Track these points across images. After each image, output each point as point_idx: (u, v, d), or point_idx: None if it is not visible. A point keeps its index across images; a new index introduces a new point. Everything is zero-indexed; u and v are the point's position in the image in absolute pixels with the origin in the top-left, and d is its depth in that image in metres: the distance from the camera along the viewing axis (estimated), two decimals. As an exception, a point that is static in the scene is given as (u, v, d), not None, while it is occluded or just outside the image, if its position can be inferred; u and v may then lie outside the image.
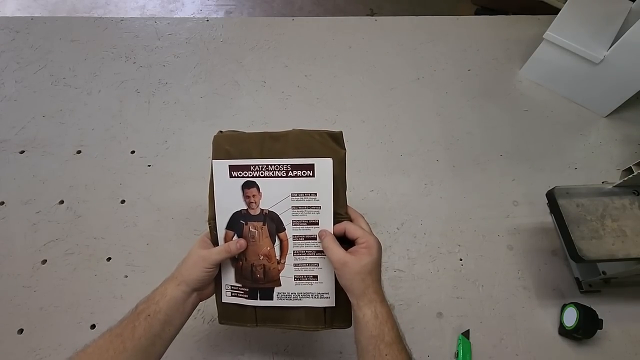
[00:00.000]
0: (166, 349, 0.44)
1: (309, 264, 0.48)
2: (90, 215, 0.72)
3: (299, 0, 1.99)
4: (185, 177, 0.77)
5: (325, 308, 0.48)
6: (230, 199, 0.47)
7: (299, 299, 0.48)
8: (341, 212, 0.47)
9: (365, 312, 0.41)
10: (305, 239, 0.47)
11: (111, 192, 0.75)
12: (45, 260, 0.68)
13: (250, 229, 0.48)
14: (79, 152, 0.80)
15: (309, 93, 0.91)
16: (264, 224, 0.48)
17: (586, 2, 0.91)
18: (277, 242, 0.48)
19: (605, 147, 0.86)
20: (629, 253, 0.58)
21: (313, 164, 0.46)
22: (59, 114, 0.84)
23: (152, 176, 0.78)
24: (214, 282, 0.49)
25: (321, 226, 0.47)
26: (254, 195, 0.47)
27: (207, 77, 0.92)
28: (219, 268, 0.48)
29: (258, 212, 0.48)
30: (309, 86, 0.92)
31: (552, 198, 0.63)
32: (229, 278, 0.49)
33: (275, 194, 0.47)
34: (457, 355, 0.62)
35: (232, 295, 0.49)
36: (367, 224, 0.48)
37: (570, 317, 0.63)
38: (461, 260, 0.71)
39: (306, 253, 0.48)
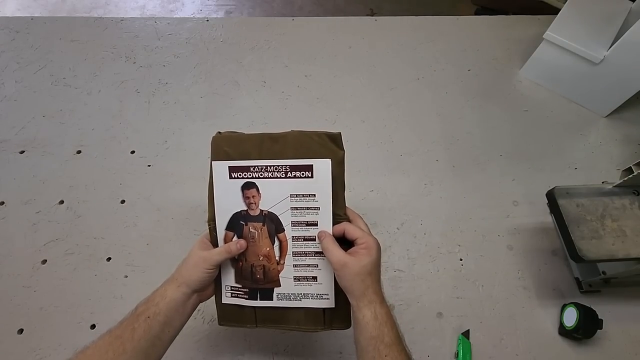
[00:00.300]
0: (166, 350, 0.44)
1: (309, 265, 0.48)
2: (90, 215, 0.72)
3: (299, 0, 1.99)
4: (185, 177, 0.77)
5: (324, 309, 0.48)
6: (229, 200, 0.48)
7: (298, 300, 0.48)
8: (340, 213, 0.47)
9: (365, 313, 0.41)
10: (304, 240, 0.47)
11: (111, 192, 0.75)
12: (45, 260, 0.68)
13: (250, 230, 0.48)
14: (79, 152, 0.80)
15: (309, 93, 0.91)
16: (263, 225, 0.48)
17: (586, 2, 0.91)
18: (277, 242, 0.48)
19: (605, 147, 0.86)
20: (629, 253, 0.58)
21: (312, 165, 0.46)
22: (59, 114, 0.84)
23: (152, 176, 0.78)
24: (214, 283, 0.49)
25: (320, 227, 0.47)
26: (253, 196, 0.47)
27: (207, 77, 0.92)
28: (219, 269, 0.48)
29: (258, 212, 0.48)
30: (309, 86, 0.92)
31: (552, 198, 0.63)
32: (229, 279, 0.49)
33: (275, 194, 0.47)
34: (457, 355, 0.62)
35: (232, 296, 0.49)
36: (366, 224, 0.48)
37: (570, 317, 0.63)
38: (461, 260, 0.71)
39: (305, 254, 0.48)
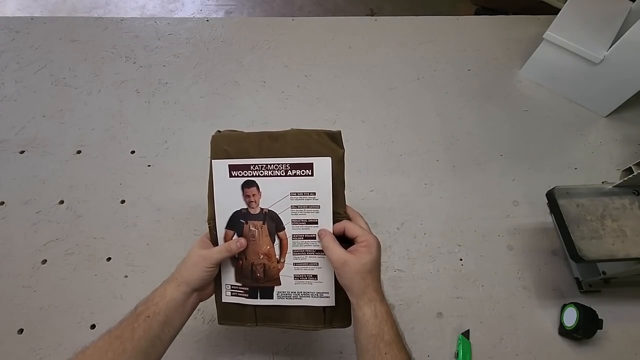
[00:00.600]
0: (166, 349, 0.44)
1: (309, 263, 0.48)
2: (90, 215, 0.72)
3: (299, 0, 1.99)
4: (185, 177, 0.77)
5: (324, 307, 0.48)
6: (230, 199, 0.47)
7: (298, 298, 0.48)
8: (340, 212, 0.47)
9: (365, 311, 0.41)
10: (304, 238, 0.47)
11: (111, 192, 0.75)
12: (45, 260, 0.68)
13: (251, 228, 0.48)
14: (79, 152, 0.80)
15: (309, 93, 0.91)
16: (263, 223, 0.48)
17: (586, 2, 0.91)
18: (277, 241, 0.48)
19: (605, 147, 0.86)
20: (629, 253, 0.58)
21: (312, 163, 0.46)
22: (59, 114, 0.84)
23: (152, 176, 0.78)
24: (214, 282, 0.49)
25: (320, 225, 0.47)
26: (253, 195, 0.47)
27: (207, 77, 0.92)
28: (219, 268, 0.48)
29: (258, 211, 0.48)
30: (309, 86, 0.92)
31: (552, 198, 0.63)
32: (229, 278, 0.49)
33: (275, 193, 0.47)
34: (457, 355, 0.62)
35: (232, 295, 0.49)
36: (366, 223, 0.48)
37: (570, 317, 0.63)
38: (461, 260, 0.71)
39: (305, 252, 0.48)
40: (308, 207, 0.47)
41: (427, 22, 1.05)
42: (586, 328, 0.61)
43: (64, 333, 0.62)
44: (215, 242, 0.48)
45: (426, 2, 1.98)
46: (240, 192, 0.47)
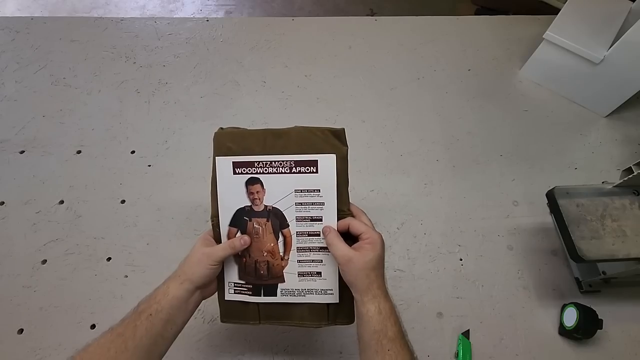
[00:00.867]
0: (168, 348, 0.44)
1: (313, 261, 0.48)
2: (90, 215, 0.72)
3: (299, 0, 1.99)
4: (185, 177, 0.77)
5: (328, 304, 0.48)
6: (233, 196, 0.47)
7: (302, 296, 0.48)
8: (344, 209, 0.47)
9: (369, 307, 0.42)
10: (308, 236, 0.47)
11: (111, 192, 0.75)
12: (45, 260, 0.68)
13: (254, 225, 0.48)
14: (79, 152, 0.80)
15: (309, 93, 0.91)
16: (267, 220, 0.48)
17: (586, 2, 0.91)
18: (281, 238, 0.48)
19: (605, 147, 0.86)
20: (629, 253, 0.58)
21: (317, 160, 0.46)
22: (59, 114, 0.84)
23: (152, 176, 0.78)
24: (217, 280, 0.49)
25: (325, 222, 0.47)
26: (257, 192, 0.47)
27: (207, 77, 0.92)
28: (222, 265, 0.48)
29: (262, 208, 0.47)
30: (309, 86, 0.92)
31: (552, 198, 0.63)
32: (232, 275, 0.49)
33: (279, 190, 0.47)
34: (457, 355, 0.62)
35: (235, 293, 0.49)
36: (370, 220, 0.48)
37: (570, 317, 0.63)
38: (461, 260, 0.71)
39: (310, 249, 0.48)
40: (312, 204, 0.47)
41: (427, 22, 1.05)
42: (586, 328, 0.61)
43: (64, 333, 0.62)
44: (218, 240, 0.48)
45: (426, 2, 1.98)
46: (244, 189, 0.47)
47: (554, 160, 0.84)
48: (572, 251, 0.58)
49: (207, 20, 1.02)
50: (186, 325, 0.46)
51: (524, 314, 0.67)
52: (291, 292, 0.48)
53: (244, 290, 0.49)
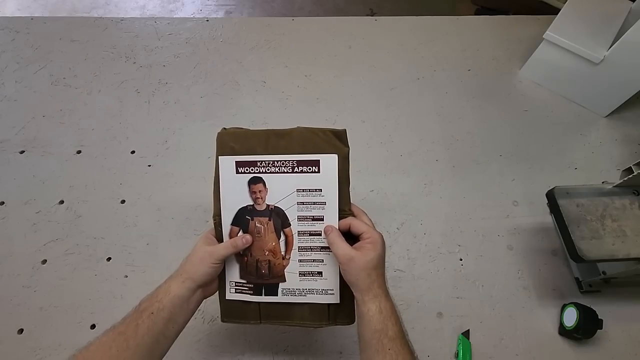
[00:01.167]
0: (169, 346, 0.44)
1: (314, 260, 0.48)
2: (90, 215, 0.72)
3: (298, 0, 1.99)
4: (185, 177, 0.77)
5: (329, 304, 0.48)
6: (236, 195, 0.48)
7: (303, 295, 0.48)
8: (345, 209, 0.47)
9: (370, 306, 0.42)
10: (310, 235, 0.48)
11: (111, 192, 0.75)
12: (45, 260, 0.68)
13: (256, 224, 0.48)
14: (79, 152, 0.80)
15: (309, 93, 0.91)
16: (269, 219, 0.48)
17: (586, 2, 0.91)
18: (283, 237, 0.48)
19: (605, 147, 0.86)
20: (629, 253, 0.58)
21: (319, 160, 0.46)
22: (59, 114, 0.84)
23: (152, 176, 0.78)
24: (218, 279, 0.49)
25: (326, 222, 0.47)
26: (260, 191, 0.47)
27: (207, 77, 0.92)
28: (223, 264, 0.48)
29: (264, 207, 0.48)
30: (309, 86, 0.92)
31: (552, 198, 0.63)
32: (233, 274, 0.49)
33: (281, 189, 0.47)
34: (457, 355, 0.62)
35: (236, 292, 0.49)
36: (370, 220, 0.48)
37: (570, 317, 0.63)
38: (461, 260, 0.71)
39: (311, 249, 0.48)
40: (314, 203, 0.47)
41: (427, 22, 1.05)
42: (586, 328, 0.61)
43: (64, 333, 0.62)
44: (220, 239, 0.49)
45: (426, 2, 1.98)
46: (247, 188, 0.48)
47: (554, 160, 0.84)
48: (572, 251, 0.58)
49: (207, 20, 1.02)
50: (186, 325, 0.46)
51: (524, 314, 0.67)
52: (292, 292, 0.49)
53: (245, 290, 0.49)
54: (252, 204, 0.48)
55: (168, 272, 0.46)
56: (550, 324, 0.66)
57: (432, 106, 0.90)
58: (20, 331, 0.62)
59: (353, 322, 0.48)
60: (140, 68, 0.92)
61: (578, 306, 0.63)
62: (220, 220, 0.48)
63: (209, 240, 0.48)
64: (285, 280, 0.49)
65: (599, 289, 0.68)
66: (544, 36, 0.86)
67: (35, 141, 0.80)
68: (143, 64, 0.93)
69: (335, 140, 0.47)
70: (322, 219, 0.47)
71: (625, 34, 0.77)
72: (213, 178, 0.49)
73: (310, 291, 0.48)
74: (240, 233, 0.48)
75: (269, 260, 0.48)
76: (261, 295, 0.49)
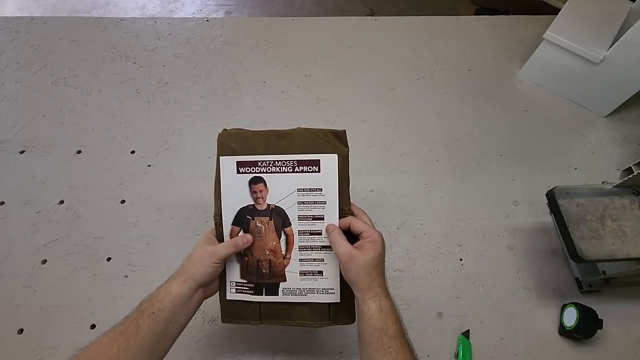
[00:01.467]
0: (170, 346, 0.44)
1: (315, 259, 0.48)
2: (90, 215, 0.72)
3: (298, 0, 1.99)
4: (185, 177, 0.77)
5: (329, 304, 0.49)
6: (237, 195, 0.48)
7: (304, 295, 0.48)
8: (345, 208, 0.48)
9: (370, 305, 0.42)
10: (310, 234, 0.48)
11: (111, 192, 0.75)
12: (45, 260, 0.68)
13: (257, 224, 0.48)
14: (79, 152, 0.80)
15: (309, 93, 0.91)
16: (270, 219, 0.48)
17: (586, 2, 0.91)
18: (283, 237, 0.48)
19: (605, 147, 0.86)
20: (629, 253, 0.58)
21: (319, 160, 0.47)
22: (59, 114, 0.84)
23: (152, 176, 0.78)
24: (219, 279, 0.49)
25: (326, 221, 0.47)
26: (260, 191, 0.48)
27: (207, 77, 0.92)
28: (224, 264, 0.48)
29: (265, 207, 0.48)
30: (309, 86, 0.92)
31: (552, 198, 0.63)
32: (234, 274, 0.49)
33: (282, 189, 0.48)
34: (457, 355, 0.62)
35: (236, 292, 0.50)
36: (370, 219, 0.49)
37: (570, 317, 0.63)
38: (461, 260, 0.71)
39: (311, 248, 0.48)
40: (315, 203, 0.47)
41: (427, 22, 1.05)
42: (586, 328, 0.61)
43: (64, 333, 0.62)
44: (220, 239, 0.49)
45: (426, 2, 1.98)
46: (248, 188, 0.48)
47: (554, 160, 0.84)
48: (572, 251, 0.58)
49: (207, 20, 1.02)
50: (186, 325, 0.46)
51: (524, 314, 0.67)
52: (293, 291, 0.49)
53: (246, 290, 0.49)
54: (252, 203, 0.48)
55: (168, 272, 0.46)
56: (550, 324, 0.66)
57: (432, 106, 0.90)
58: (20, 331, 0.62)
59: (353, 321, 0.48)
60: (140, 68, 0.92)
61: (578, 306, 0.63)
62: (221, 220, 0.48)
63: (209, 240, 0.48)
64: (286, 280, 0.49)
65: (599, 289, 0.68)
66: (544, 36, 0.86)
67: (35, 141, 0.80)
68: (143, 64, 0.93)
69: (335, 141, 0.48)
70: (322, 218, 0.47)
71: (625, 34, 0.77)
72: (213, 178, 0.49)
73: (311, 290, 0.48)
74: (241, 233, 0.48)
75: (269, 260, 0.48)
76: (262, 295, 0.49)
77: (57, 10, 1.88)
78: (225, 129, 0.50)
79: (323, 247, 0.48)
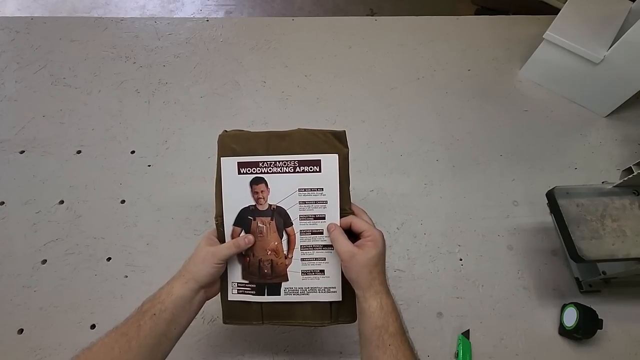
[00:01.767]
0: (172, 347, 0.44)
1: (316, 259, 0.48)
2: (90, 215, 0.72)
3: (298, 0, 1.99)
4: (185, 177, 0.77)
5: (331, 303, 0.49)
6: (238, 196, 0.48)
7: (306, 294, 0.49)
8: (346, 208, 0.48)
9: (371, 303, 0.42)
10: (312, 234, 0.48)
11: (111, 192, 0.75)
12: (45, 260, 0.68)
13: (259, 224, 0.48)
14: (79, 152, 0.80)
15: (309, 93, 0.91)
16: (271, 219, 0.48)
17: (586, 2, 0.91)
18: (285, 237, 0.49)
19: (605, 147, 0.86)
20: (629, 253, 0.58)
21: (320, 160, 0.47)
22: (59, 114, 0.84)
23: (152, 176, 0.78)
24: (220, 280, 0.49)
25: (328, 220, 0.48)
26: (262, 191, 0.48)
27: (207, 77, 0.92)
28: (226, 265, 0.48)
29: (266, 207, 0.48)
30: (309, 86, 0.92)
31: (552, 198, 0.63)
32: (236, 275, 0.49)
33: (283, 189, 0.48)
34: (457, 355, 0.62)
35: (238, 293, 0.50)
36: (370, 218, 0.49)
37: (570, 317, 0.63)
38: (461, 260, 0.71)
39: (313, 247, 0.48)
40: (316, 202, 0.48)
41: (427, 22, 1.05)
42: (586, 328, 0.61)
43: (64, 333, 0.62)
44: (222, 240, 0.49)
45: (426, 2, 1.98)
46: (249, 189, 0.48)
47: (554, 160, 0.84)
48: (572, 251, 0.58)
49: (207, 20, 1.02)
50: (186, 326, 0.46)
51: (524, 314, 0.67)
52: (295, 291, 0.49)
53: (248, 290, 0.49)
54: (254, 204, 0.48)
55: (168, 272, 0.46)
56: (550, 324, 0.66)
57: (432, 106, 0.90)
58: (20, 331, 0.62)
59: (355, 320, 0.48)
60: (140, 68, 0.92)
61: (578, 306, 0.63)
62: (223, 221, 0.49)
63: (211, 241, 0.48)
64: (287, 280, 0.49)
65: (599, 289, 0.68)
66: (544, 36, 0.86)
67: (35, 141, 0.80)
68: (143, 64, 0.93)
69: (335, 142, 0.48)
70: (323, 218, 0.48)
71: (625, 34, 0.77)
72: (213, 178, 0.49)
73: (313, 290, 0.49)
74: (243, 233, 0.48)
75: (271, 260, 0.49)
76: (264, 295, 0.49)
77: (57, 10, 1.88)
78: (226, 130, 0.50)
79: (324, 246, 0.48)
